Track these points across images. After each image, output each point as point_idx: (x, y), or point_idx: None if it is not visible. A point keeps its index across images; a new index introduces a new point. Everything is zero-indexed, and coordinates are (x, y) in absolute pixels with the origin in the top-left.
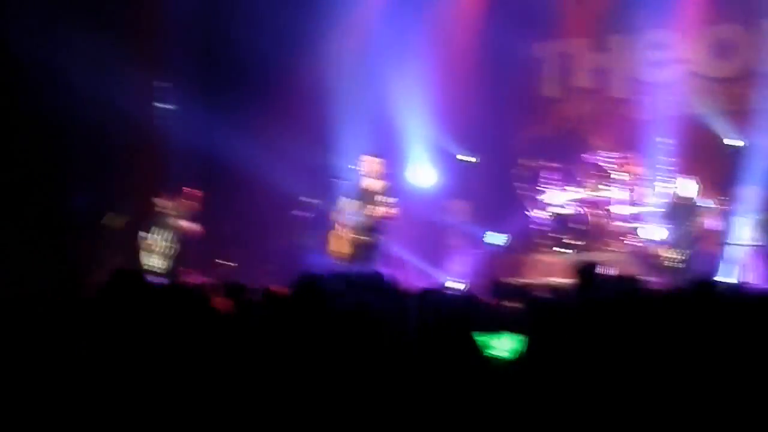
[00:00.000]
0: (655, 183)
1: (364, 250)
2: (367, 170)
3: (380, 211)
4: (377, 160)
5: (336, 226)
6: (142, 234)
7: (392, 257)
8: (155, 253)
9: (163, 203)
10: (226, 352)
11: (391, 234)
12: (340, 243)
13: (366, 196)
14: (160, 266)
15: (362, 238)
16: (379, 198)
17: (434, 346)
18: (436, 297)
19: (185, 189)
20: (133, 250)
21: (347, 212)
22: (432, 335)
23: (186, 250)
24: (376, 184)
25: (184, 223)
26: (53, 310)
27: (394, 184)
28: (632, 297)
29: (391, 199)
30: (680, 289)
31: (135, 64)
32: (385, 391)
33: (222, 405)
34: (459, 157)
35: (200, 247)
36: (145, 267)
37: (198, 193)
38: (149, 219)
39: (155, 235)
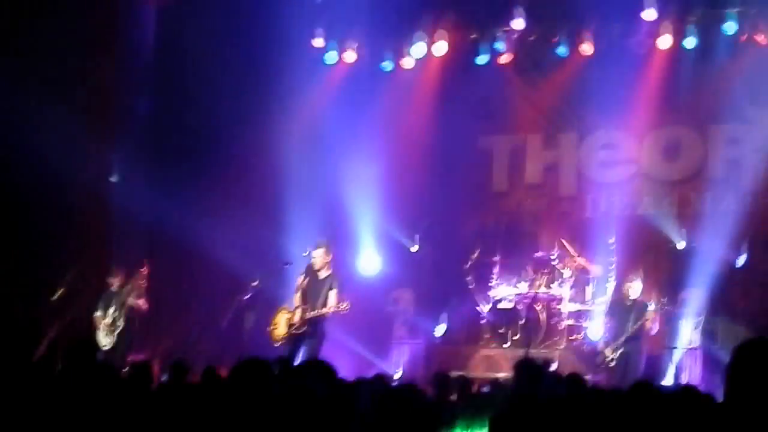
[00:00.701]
0: (600, 281)
1: (301, 338)
2: (316, 260)
3: (328, 309)
4: (323, 249)
5: (280, 309)
6: (93, 310)
7: (335, 344)
8: (101, 331)
9: (112, 280)
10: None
11: (334, 321)
12: (281, 325)
13: (311, 283)
14: (106, 342)
15: (303, 328)
16: (322, 290)
17: None
18: (378, 387)
19: (136, 266)
20: (81, 323)
21: (301, 285)
22: (374, 426)
23: (132, 327)
24: (321, 274)
25: (132, 301)
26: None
27: (342, 271)
28: (574, 396)
29: (332, 294)
30: (619, 391)
31: (89, 137)
32: None
33: None
34: (412, 247)
35: (145, 322)
36: (97, 345)
37: (146, 270)
38: (99, 295)
39: (101, 312)
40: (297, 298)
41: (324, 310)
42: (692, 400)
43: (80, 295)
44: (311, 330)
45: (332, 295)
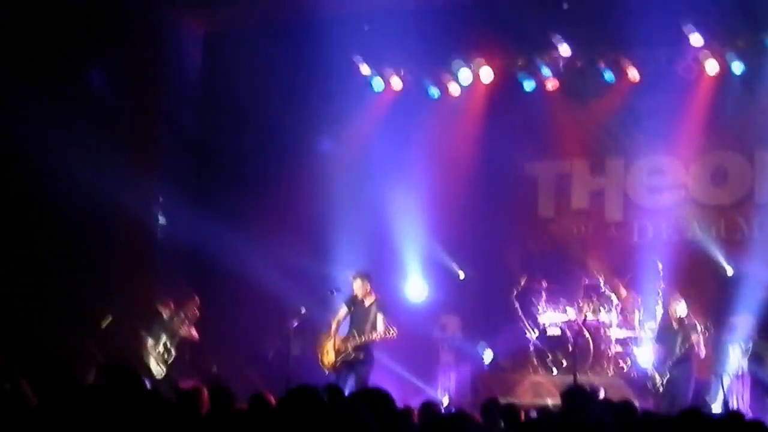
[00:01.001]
0: (648, 307)
1: (350, 365)
2: (356, 290)
3: (379, 334)
4: (359, 281)
5: (326, 336)
6: (145, 338)
7: (382, 370)
8: (153, 358)
9: (163, 309)
10: None
11: (381, 347)
12: (328, 352)
13: (357, 312)
14: (157, 371)
15: (353, 354)
16: (369, 316)
17: None
18: (432, 414)
19: (186, 295)
20: (130, 350)
21: (338, 322)
22: None
23: (183, 356)
24: (366, 302)
25: (185, 330)
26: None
27: (389, 297)
28: (622, 423)
29: (380, 318)
30: (668, 417)
31: (135, 164)
32: None
33: None
34: (459, 274)
35: (192, 350)
36: (149, 371)
37: (198, 299)
38: (150, 323)
39: (153, 340)
40: (333, 328)
41: (373, 336)
42: (740, 427)
43: (127, 322)
44: (360, 356)
45: (380, 320)
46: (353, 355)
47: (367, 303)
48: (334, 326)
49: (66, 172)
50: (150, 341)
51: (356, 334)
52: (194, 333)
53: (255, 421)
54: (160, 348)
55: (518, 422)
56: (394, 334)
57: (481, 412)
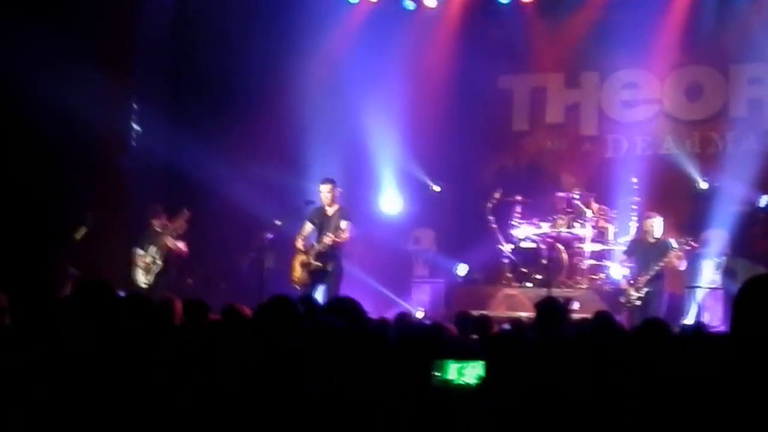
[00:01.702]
0: (621, 221)
1: (317, 276)
2: (322, 196)
3: (331, 237)
4: (329, 186)
5: (296, 251)
6: (134, 249)
7: (355, 283)
8: (140, 269)
9: (155, 221)
10: (184, 366)
11: (354, 260)
12: (296, 268)
13: (321, 222)
14: (144, 282)
15: (315, 263)
16: (332, 224)
17: (402, 372)
18: (407, 325)
19: (179, 209)
20: (99, 261)
21: (304, 237)
22: (400, 361)
23: (170, 269)
24: (330, 210)
25: (172, 242)
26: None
27: (364, 210)
28: (593, 335)
29: (343, 224)
30: (634, 330)
31: (110, 83)
32: (358, 414)
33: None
34: (433, 187)
35: (180, 264)
36: (135, 282)
37: (188, 213)
38: (141, 234)
39: (143, 251)
40: (299, 245)
41: (327, 240)
42: (702, 339)
43: (102, 235)
44: (328, 268)
45: (344, 226)
46: (318, 264)
47: (330, 212)
48: (299, 243)
49: (40, 90)
50: (139, 251)
51: (317, 243)
52: (181, 246)
53: (228, 332)
54: (148, 258)
55: (490, 334)
56: (345, 237)
57: (454, 323)
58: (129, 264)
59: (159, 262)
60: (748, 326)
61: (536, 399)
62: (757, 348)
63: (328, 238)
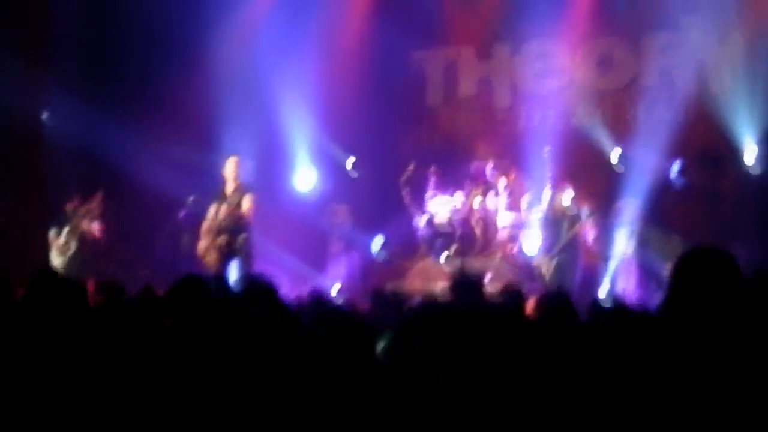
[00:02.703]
0: (535, 192)
1: (227, 253)
2: (225, 171)
3: (229, 208)
4: (233, 159)
5: (202, 229)
6: (50, 232)
7: (270, 260)
8: (54, 251)
9: (68, 204)
10: (99, 347)
11: (270, 236)
12: (207, 252)
13: (223, 197)
14: (57, 263)
15: (221, 238)
16: (233, 199)
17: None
18: (321, 305)
19: (90, 192)
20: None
21: (210, 219)
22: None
23: (84, 252)
24: (231, 187)
25: (87, 224)
26: None
27: (277, 188)
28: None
29: (245, 197)
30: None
31: (22, 61)
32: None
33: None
34: (348, 166)
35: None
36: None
37: (100, 195)
38: (53, 218)
39: (55, 233)
40: (205, 228)
41: (224, 210)
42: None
43: (18, 220)
44: (236, 242)
45: (246, 199)
46: (224, 239)
47: (231, 188)
48: (205, 226)
49: None
50: (52, 233)
51: (221, 217)
52: (97, 228)
53: (143, 312)
54: (61, 240)
55: (403, 309)
56: (248, 208)
57: (371, 299)
58: (47, 248)
59: (72, 244)
60: (684, 302)
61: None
62: (692, 326)
63: (225, 208)
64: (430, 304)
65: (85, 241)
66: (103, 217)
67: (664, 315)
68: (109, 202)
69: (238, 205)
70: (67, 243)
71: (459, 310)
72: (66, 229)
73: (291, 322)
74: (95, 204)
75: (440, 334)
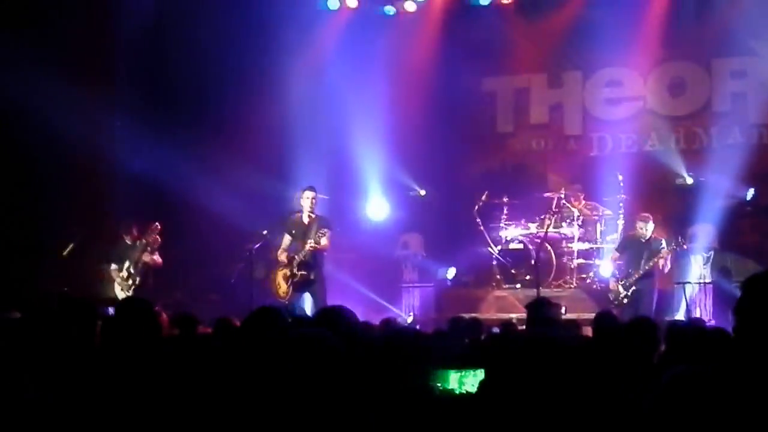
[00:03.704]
0: (609, 219)
1: (302, 287)
2: (304, 203)
3: (311, 245)
4: (312, 193)
5: (278, 265)
6: (108, 265)
7: (343, 291)
8: (118, 285)
9: (126, 236)
10: (174, 379)
11: (344, 267)
12: (281, 283)
13: (299, 232)
14: (122, 297)
15: (299, 273)
16: (311, 232)
17: (397, 379)
18: (395, 330)
19: (149, 222)
20: (97, 279)
21: (284, 250)
22: (394, 369)
23: (147, 283)
24: (307, 219)
25: (148, 256)
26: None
27: (348, 218)
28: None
29: (322, 231)
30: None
31: (90, 95)
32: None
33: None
34: (419, 192)
35: (157, 276)
36: (116, 298)
37: (159, 226)
38: (114, 250)
39: (117, 266)
40: (281, 259)
41: (307, 247)
42: (699, 334)
43: (89, 250)
44: (311, 276)
45: (323, 233)
46: (302, 273)
47: (308, 221)
48: (281, 257)
49: (21, 104)
50: (114, 267)
51: (297, 253)
52: (157, 259)
53: (219, 344)
54: (124, 273)
55: (481, 337)
56: (325, 244)
57: (447, 327)
58: (105, 281)
59: (136, 277)
60: (752, 324)
61: (536, 402)
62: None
63: (308, 246)
64: (530, 337)
65: (148, 274)
66: (162, 248)
67: (736, 336)
68: (174, 231)
69: (316, 237)
70: (130, 276)
71: (563, 342)
72: (128, 262)
73: (365, 345)
74: (154, 235)
75: (540, 365)
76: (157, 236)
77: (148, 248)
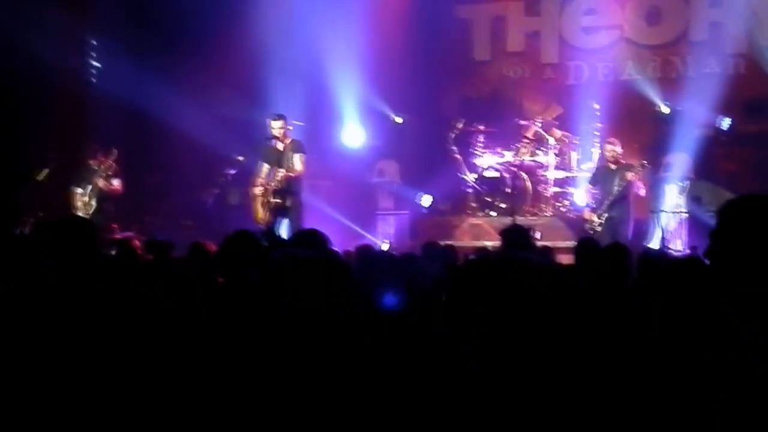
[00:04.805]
0: (585, 147)
1: (278, 213)
2: (274, 132)
3: (283, 172)
4: (280, 122)
5: (253, 189)
6: (73, 188)
7: (319, 218)
8: (79, 209)
9: (94, 161)
10: (150, 304)
11: (319, 194)
12: (258, 209)
13: (274, 159)
14: None
15: (274, 200)
16: (284, 159)
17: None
18: (372, 254)
19: (106, 149)
20: (62, 202)
21: (261, 177)
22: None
23: (108, 207)
24: (281, 146)
25: (102, 182)
26: None
27: (324, 145)
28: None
29: (296, 158)
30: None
31: (65, 17)
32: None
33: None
34: (395, 119)
35: (125, 202)
36: None
37: (115, 152)
38: (77, 174)
39: (82, 191)
40: (257, 183)
41: (280, 175)
42: (671, 262)
43: (63, 175)
44: (286, 201)
45: (297, 159)
46: (276, 201)
47: (282, 147)
48: (256, 183)
49: None
50: (79, 190)
51: (272, 179)
52: (116, 185)
53: (194, 268)
54: (86, 198)
55: (456, 263)
56: (299, 170)
57: (422, 253)
58: (72, 205)
59: (93, 202)
60: (728, 248)
61: (505, 321)
62: (738, 273)
63: (281, 173)
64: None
65: (104, 199)
66: (136, 173)
67: (710, 260)
68: (150, 156)
69: (289, 163)
70: (89, 201)
71: (537, 263)
72: (89, 186)
73: (344, 267)
74: (110, 161)
75: (502, 282)
76: (113, 162)
77: (104, 174)
